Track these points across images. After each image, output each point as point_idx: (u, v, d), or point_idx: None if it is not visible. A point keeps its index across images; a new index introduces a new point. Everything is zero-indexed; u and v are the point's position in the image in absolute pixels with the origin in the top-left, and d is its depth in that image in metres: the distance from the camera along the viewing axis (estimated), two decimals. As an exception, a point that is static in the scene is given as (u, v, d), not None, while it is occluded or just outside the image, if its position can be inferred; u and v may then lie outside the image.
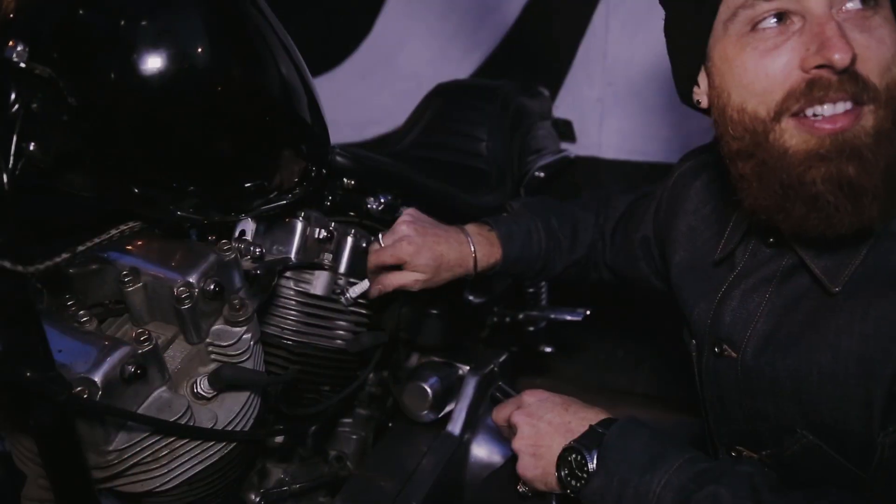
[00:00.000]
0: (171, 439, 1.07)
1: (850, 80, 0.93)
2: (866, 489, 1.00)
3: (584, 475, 1.05)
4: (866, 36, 0.94)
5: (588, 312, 2.03)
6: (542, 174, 2.13)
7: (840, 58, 0.91)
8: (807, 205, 0.97)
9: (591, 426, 1.09)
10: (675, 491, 0.98)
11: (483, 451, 1.67)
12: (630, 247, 1.53)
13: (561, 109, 2.54)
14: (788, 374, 1.05)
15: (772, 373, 1.07)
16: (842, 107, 0.94)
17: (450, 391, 1.65)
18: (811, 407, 1.04)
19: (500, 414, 1.23)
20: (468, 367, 1.71)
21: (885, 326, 0.95)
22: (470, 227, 1.52)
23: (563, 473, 1.08)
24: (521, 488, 1.17)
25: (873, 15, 0.95)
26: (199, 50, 1.02)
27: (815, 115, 0.96)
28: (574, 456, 1.07)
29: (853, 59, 0.92)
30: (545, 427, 1.13)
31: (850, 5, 0.95)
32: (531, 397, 1.19)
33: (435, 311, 1.70)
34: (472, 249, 1.48)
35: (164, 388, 1.07)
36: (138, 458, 1.05)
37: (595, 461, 1.04)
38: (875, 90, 0.94)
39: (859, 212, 0.95)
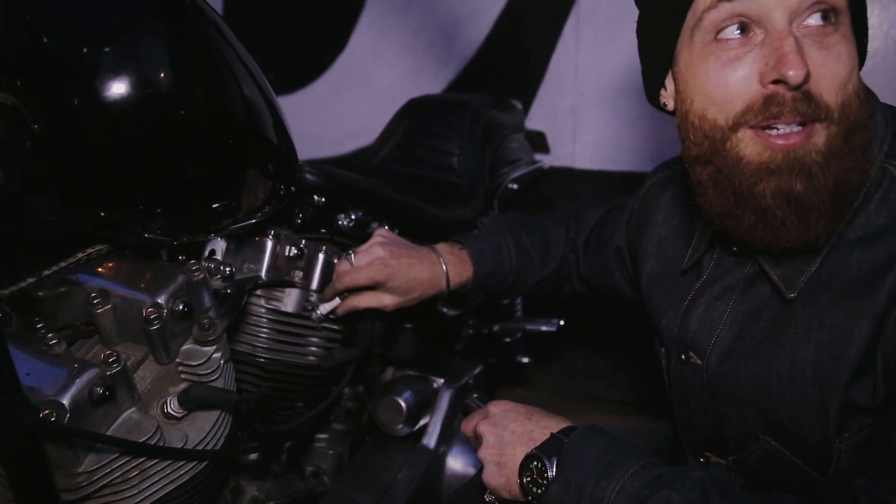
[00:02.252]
0: (142, 460, 1.07)
1: (803, 99, 0.95)
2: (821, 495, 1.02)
3: (545, 482, 1.06)
4: (824, 53, 0.96)
5: (562, 322, 2.05)
6: (515, 186, 2.15)
7: (794, 74, 0.93)
8: (756, 215, 1.00)
9: (552, 434, 1.11)
10: (629, 496, 1.00)
11: (458, 463, 1.67)
12: (604, 258, 1.55)
13: (534, 121, 2.56)
14: (749, 381, 1.08)
15: (734, 380, 1.10)
16: (795, 126, 0.97)
17: (424, 405, 1.66)
18: (771, 414, 1.06)
19: (467, 425, 1.25)
20: (443, 380, 1.72)
21: (839, 335, 0.98)
22: (441, 247, 1.54)
23: (525, 481, 1.09)
24: (487, 497, 1.18)
25: (833, 32, 0.97)
26: (162, 75, 1.03)
27: (770, 129, 0.98)
28: (535, 463, 1.09)
29: (807, 77, 0.94)
30: (508, 436, 1.15)
31: (811, 21, 0.97)
32: (496, 407, 1.21)
33: (409, 325, 1.71)
34: (444, 269, 1.50)
35: (133, 408, 1.08)
36: (108, 480, 1.05)
37: (555, 468, 1.06)
38: (828, 108, 0.96)
39: (805, 227, 0.98)
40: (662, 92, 1.15)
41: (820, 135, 0.97)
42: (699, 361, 1.15)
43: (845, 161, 0.97)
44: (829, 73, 0.96)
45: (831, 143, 0.97)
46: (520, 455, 1.12)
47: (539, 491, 1.07)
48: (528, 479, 1.09)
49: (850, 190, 0.99)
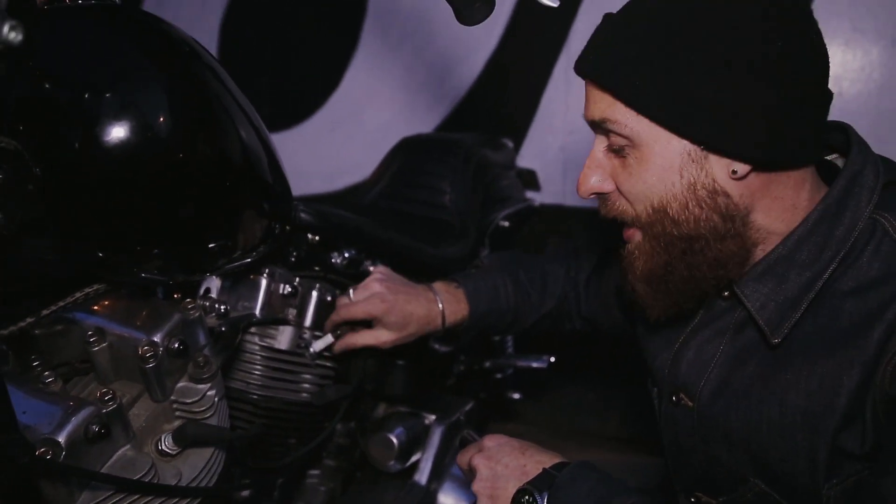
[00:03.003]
0: (136, 497, 1.08)
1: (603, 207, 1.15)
2: None
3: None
4: (625, 174, 1.09)
5: (553, 359, 2.07)
6: (507, 223, 2.17)
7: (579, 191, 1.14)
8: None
9: (544, 469, 1.13)
10: None
11: (450, 499, 1.68)
12: (605, 296, 1.57)
13: (525, 159, 2.60)
14: (740, 424, 1.10)
15: (725, 422, 1.12)
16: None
17: (416, 441, 1.67)
18: (761, 457, 1.08)
19: (462, 457, 1.27)
20: (434, 417, 1.73)
21: (828, 383, 1.00)
22: (437, 285, 1.56)
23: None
24: None
25: (627, 157, 1.08)
26: (160, 120, 1.05)
27: None
28: (527, 497, 1.11)
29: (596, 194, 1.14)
30: (502, 470, 1.17)
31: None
32: (491, 441, 1.23)
33: (401, 362, 1.72)
34: (441, 307, 1.52)
35: (128, 446, 1.09)
36: (103, 517, 1.06)
37: (546, 502, 1.08)
38: (635, 217, 1.11)
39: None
40: None
41: (635, 235, 1.13)
42: (690, 403, 1.17)
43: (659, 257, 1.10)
44: (627, 190, 1.10)
45: (641, 244, 1.12)
46: (512, 489, 1.14)
47: None
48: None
49: (668, 277, 1.11)
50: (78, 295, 1.14)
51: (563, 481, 1.10)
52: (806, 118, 1.03)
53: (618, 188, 1.11)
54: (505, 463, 1.18)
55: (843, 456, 1.01)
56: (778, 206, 1.07)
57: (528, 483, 1.12)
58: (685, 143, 1.03)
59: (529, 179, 2.54)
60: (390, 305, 1.46)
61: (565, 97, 2.58)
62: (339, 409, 1.55)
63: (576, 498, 1.07)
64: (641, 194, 1.08)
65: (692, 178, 1.04)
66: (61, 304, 1.11)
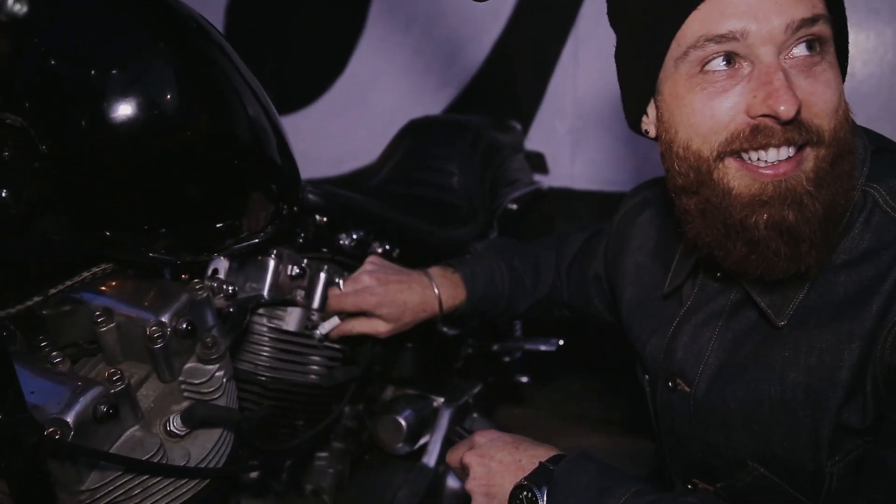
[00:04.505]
0: (144, 478, 1.07)
1: (794, 129, 0.95)
2: None
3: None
4: (811, 81, 0.96)
5: (561, 342, 2.06)
6: (515, 206, 2.16)
7: (785, 109, 0.93)
8: (748, 246, 1.00)
9: (540, 463, 1.11)
10: None
11: (458, 482, 1.68)
12: (584, 284, 1.56)
13: (533, 142, 2.58)
14: (739, 406, 1.08)
15: (723, 406, 1.10)
16: (784, 153, 0.97)
17: (424, 423, 1.67)
18: (762, 438, 1.06)
19: (453, 456, 1.25)
20: (442, 399, 1.73)
21: (829, 358, 0.99)
22: (433, 270, 1.56)
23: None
24: None
25: (820, 61, 0.97)
26: (168, 97, 1.04)
27: (758, 159, 0.98)
28: (525, 493, 1.08)
29: (798, 110, 0.94)
30: (496, 466, 1.15)
31: (796, 51, 0.97)
32: (482, 438, 1.21)
33: (409, 345, 1.72)
34: (437, 292, 1.52)
35: (136, 426, 1.08)
36: (111, 498, 1.05)
37: (545, 497, 1.06)
38: (819, 133, 0.96)
39: (797, 258, 0.98)
40: (644, 118, 1.13)
41: (808, 162, 0.98)
42: (687, 389, 1.15)
43: (832, 187, 0.98)
44: (819, 99, 0.96)
45: (819, 169, 0.97)
46: (508, 485, 1.11)
47: None
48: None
49: (837, 216, 1.00)
50: (85, 275, 1.14)
51: (560, 474, 1.07)
52: None
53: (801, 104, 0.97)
54: (499, 459, 1.16)
55: (845, 431, 1.00)
56: None
57: (525, 478, 1.10)
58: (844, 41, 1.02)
59: (537, 162, 2.53)
60: (380, 299, 1.46)
61: (573, 79, 2.56)
62: (348, 391, 1.54)
63: (575, 490, 1.05)
64: (834, 102, 0.98)
65: (841, 89, 1.00)
66: (69, 283, 1.10)
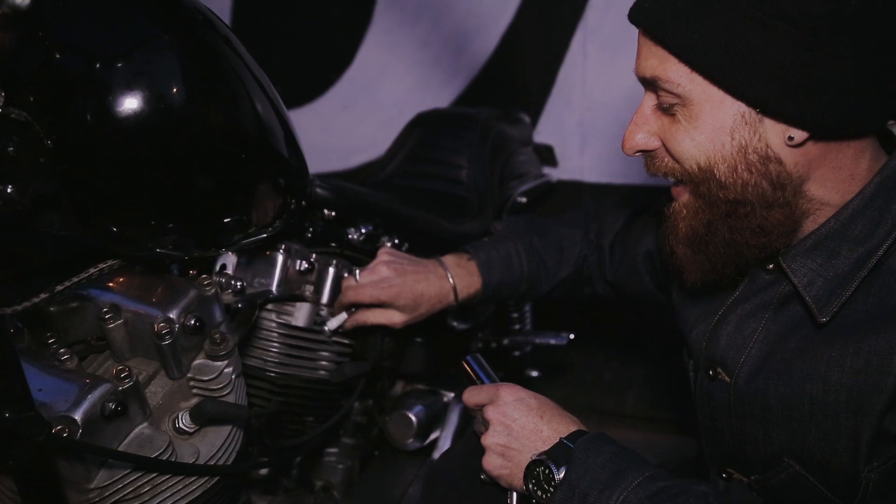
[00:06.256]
0: (153, 475, 1.07)
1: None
2: None
3: (551, 489, 1.06)
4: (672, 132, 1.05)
5: (572, 336, 2.04)
6: (524, 199, 2.14)
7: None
8: None
9: (561, 440, 1.09)
10: None
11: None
12: (632, 261, 1.53)
13: (542, 135, 2.57)
14: (780, 401, 1.06)
15: (763, 399, 1.08)
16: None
17: (435, 419, 1.66)
18: (800, 436, 1.05)
19: (473, 398, 1.21)
20: (453, 394, 1.72)
21: (876, 361, 0.96)
22: (448, 259, 1.54)
23: (530, 485, 1.08)
24: (483, 477, 1.17)
25: (676, 117, 1.04)
26: (174, 91, 1.03)
27: None
28: (542, 469, 1.07)
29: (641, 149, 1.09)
30: (518, 430, 1.13)
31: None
32: (508, 394, 1.17)
33: (419, 339, 1.71)
34: (452, 283, 1.50)
35: (145, 424, 1.08)
36: (120, 496, 1.05)
37: (562, 474, 1.05)
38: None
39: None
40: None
41: (683, 194, 1.09)
42: (727, 378, 1.13)
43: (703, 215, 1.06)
44: (673, 148, 1.06)
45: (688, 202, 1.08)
46: (527, 454, 1.10)
47: (544, 496, 1.07)
48: (533, 482, 1.08)
49: (710, 239, 1.07)
50: (92, 271, 1.13)
51: (578, 452, 1.06)
52: (880, 83, 0.96)
53: (664, 146, 1.07)
54: (522, 424, 1.13)
55: (886, 438, 0.97)
56: (835, 176, 1.02)
57: (544, 453, 1.08)
58: (739, 104, 0.98)
59: (546, 155, 2.51)
60: (398, 290, 1.45)
61: (582, 72, 2.54)
62: (357, 386, 1.53)
63: (591, 470, 1.04)
64: (688, 153, 1.03)
65: (744, 142, 1.00)
66: (76, 279, 1.09)
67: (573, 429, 1.12)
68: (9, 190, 0.96)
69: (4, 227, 0.96)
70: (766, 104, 0.97)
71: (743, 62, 0.95)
